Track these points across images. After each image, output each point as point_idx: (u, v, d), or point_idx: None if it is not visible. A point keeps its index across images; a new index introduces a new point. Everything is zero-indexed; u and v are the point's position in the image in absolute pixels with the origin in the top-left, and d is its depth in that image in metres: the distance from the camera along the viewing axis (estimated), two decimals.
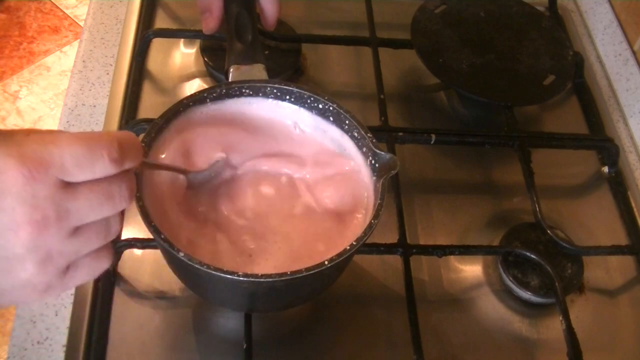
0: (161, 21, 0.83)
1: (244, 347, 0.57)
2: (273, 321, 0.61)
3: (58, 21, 2.22)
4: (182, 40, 0.80)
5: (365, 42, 0.80)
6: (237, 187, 0.56)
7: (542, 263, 0.64)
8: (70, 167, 0.36)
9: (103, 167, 0.37)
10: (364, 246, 0.50)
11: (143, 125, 0.64)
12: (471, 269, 0.67)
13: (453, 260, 0.67)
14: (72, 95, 0.73)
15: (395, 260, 0.63)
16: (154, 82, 0.76)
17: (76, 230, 0.38)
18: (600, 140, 0.77)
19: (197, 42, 0.79)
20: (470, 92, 0.75)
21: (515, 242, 0.66)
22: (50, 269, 0.37)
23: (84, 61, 0.77)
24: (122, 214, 0.41)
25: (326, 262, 0.47)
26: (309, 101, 0.58)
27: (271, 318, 0.62)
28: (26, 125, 1.95)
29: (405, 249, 0.63)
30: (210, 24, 0.66)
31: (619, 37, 0.86)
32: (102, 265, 0.41)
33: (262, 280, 0.46)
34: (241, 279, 0.46)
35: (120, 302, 0.60)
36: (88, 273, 0.40)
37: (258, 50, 0.63)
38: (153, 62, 0.78)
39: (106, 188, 0.38)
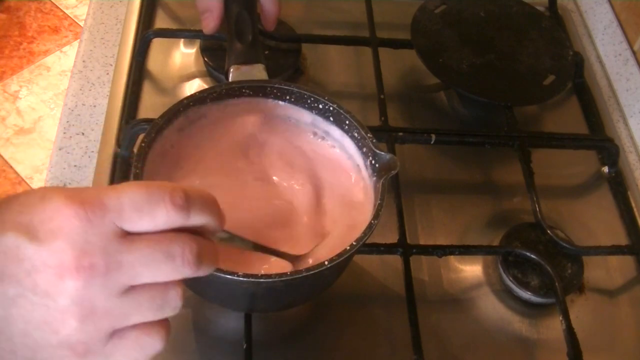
0: (161, 21, 0.82)
1: (244, 347, 0.56)
2: (273, 321, 0.61)
3: (58, 21, 2.22)
4: (182, 40, 0.80)
5: (365, 42, 0.80)
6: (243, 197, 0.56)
7: (542, 263, 0.64)
8: (128, 211, 0.33)
9: (165, 213, 0.34)
10: (364, 246, 0.50)
11: (143, 125, 0.64)
12: (471, 269, 0.67)
13: (453, 260, 0.67)
14: (72, 95, 0.73)
15: (395, 260, 0.63)
16: (154, 82, 0.76)
17: (127, 291, 0.34)
18: (600, 140, 0.77)
19: (197, 42, 0.79)
20: (470, 92, 0.75)
21: (515, 242, 0.66)
22: (92, 328, 0.33)
23: (84, 61, 0.77)
24: (182, 291, 0.36)
25: (326, 263, 0.47)
26: (309, 101, 0.58)
27: (271, 318, 0.62)
28: (26, 125, 1.96)
29: (405, 249, 0.63)
30: (210, 24, 0.66)
31: (619, 37, 0.86)
32: (153, 344, 0.36)
33: (262, 280, 0.46)
34: (241, 279, 0.46)
35: None
36: (135, 348, 0.35)
37: (258, 51, 0.63)
38: (153, 62, 0.78)
39: (166, 245, 0.34)
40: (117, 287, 0.34)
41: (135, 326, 0.35)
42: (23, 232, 0.32)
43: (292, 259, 0.52)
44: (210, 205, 0.37)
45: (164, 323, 0.37)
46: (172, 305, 0.36)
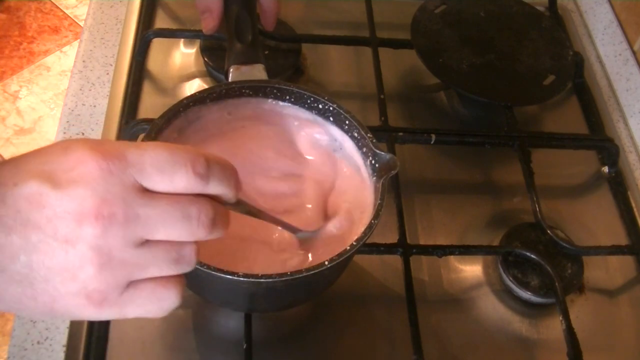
0: (161, 21, 0.82)
1: (244, 347, 0.56)
2: (273, 321, 0.61)
3: (58, 21, 2.22)
4: (182, 40, 0.80)
5: (365, 42, 0.80)
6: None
7: (542, 263, 0.64)
8: (149, 169, 0.34)
9: (185, 179, 0.35)
10: (364, 246, 0.50)
11: (143, 125, 0.64)
12: (471, 269, 0.67)
13: (453, 260, 0.67)
14: (72, 95, 0.73)
15: (395, 260, 0.63)
16: (154, 82, 0.76)
17: (144, 244, 0.35)
18: (600, 140, 0.77)
19: (197, 42, 0.79)
20: (470, 92, 0.75)
21: (515, 242, 0.66)
22: (109, 277, 0.34)
23: (84, 61, 0.77)
24: (197, 248, 0.37)
25: (326, 263, 0.47)
26: (309, 101, 0.58)
27: (271, 318, 0.62)
28: (26, 125, 1.96)
29: (405, 249, 0.63)
30: (210, 24, 0.66)
31: (619, 37, 0.86)
32: (169, 297, 0.37)
33: (262, 280, 0.46)
34: (241, 279, 0.46)
35: None
36: (150, 299, 0.36)
37: (258, 51, 0.63)
38: (153, 62, 0.78)
39: (185, 206, 0.35)
40: (133, 238, 0.34)
41: (151, 279, 0.36)
42: (45, 180, 0.33)
43: (296, 231, 0.53)
44: (230, 176, 0.37)
45: (179, 278, 0.37)
46: (187, 260, 0.36)
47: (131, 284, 0.35)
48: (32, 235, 0.33)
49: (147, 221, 0.34)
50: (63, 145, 0.35)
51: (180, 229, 0.35)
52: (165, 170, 0.34)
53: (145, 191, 0.34)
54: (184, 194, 0.35)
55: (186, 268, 0.37)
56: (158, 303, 0.37)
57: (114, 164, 0.34)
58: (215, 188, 0.36)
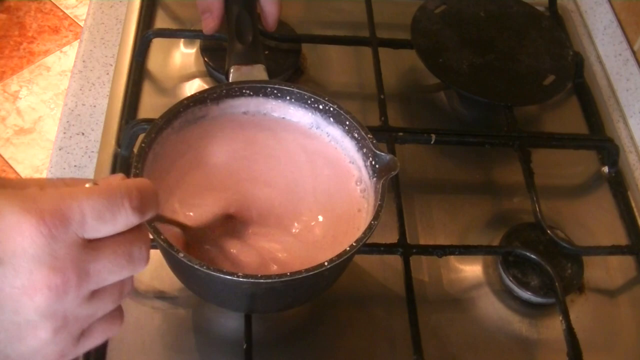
0: (161, 21, 0.82)
1: (244, 347, 0.56)
2: (273, 321, 0.61)
3: (58, 21, 2.22)
4: (182, 40, 0.80)
5: (365, 42, 0.80)
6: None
7: (542, 263, 0.64)
8: (91, 221, 0.33)
9: (125, 218, 0.34)
10: (364, 246, 0.50)
11: (143, 125, 0.64)
12: (471, 269, 0.67)
13: (453, 260, 0.67)
14: (72, 95, 0.73)
15: (395, 260, 0.63)
16: (154, 82, 0.76)
17: (92, 294, 0.34)
18: (600, 140, 0.77)
19: (197, 42, 0.79)
20: (470, 92, 0.75)
21: (515, 242, 0.66)
22: (64, 337, 0.34)
23: (84, 61, 0.77)
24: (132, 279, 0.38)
25: (326, 264, 0.47)
26: (309, 102, 0.58)
27: (271, 318, 0.62)
28: (26, 125, 1.96)
29: (405, 249, 0.63)
30: (210, 24, 0.67)
31: (619, 37, 0.86)
32: (115, 327, 0.38)
33: (261, 281, 0.46)
34: (241, 279, 0.46)
35: None
36: (100, 337, 0.37)
37: (258, 51, 0.63)
38: (153, 62, 0.78)
39: (128, 249, 0.35)
40: (85, 295, 0.34)
41: (99, 319, 0.37)
42: None
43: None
44: (156, 198, 0.37)
45: (120, 309, 0.38)
46: (126, 293, 0.38)
47: (83, 331, 0.35)
48: None
49: (97, 276, 0.34)
50: None
51: (126, 271, 0.36)
52: (105, 217, 0.33)
53: (89, 243, 0.33)
54: (123, 234, 0.35)
55: (127, 297, 0.38)
56: (106, 335, 0.37)
57: (54, 226, 0.31)
58: (149, 214, 0.36)
